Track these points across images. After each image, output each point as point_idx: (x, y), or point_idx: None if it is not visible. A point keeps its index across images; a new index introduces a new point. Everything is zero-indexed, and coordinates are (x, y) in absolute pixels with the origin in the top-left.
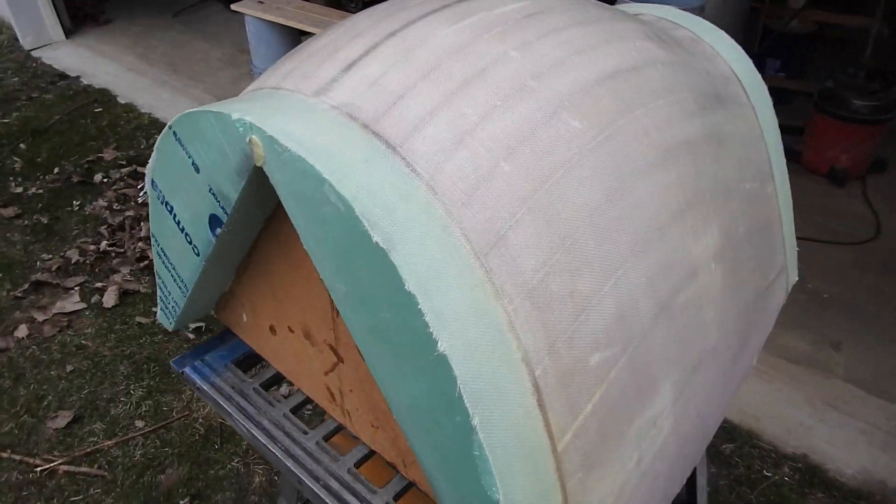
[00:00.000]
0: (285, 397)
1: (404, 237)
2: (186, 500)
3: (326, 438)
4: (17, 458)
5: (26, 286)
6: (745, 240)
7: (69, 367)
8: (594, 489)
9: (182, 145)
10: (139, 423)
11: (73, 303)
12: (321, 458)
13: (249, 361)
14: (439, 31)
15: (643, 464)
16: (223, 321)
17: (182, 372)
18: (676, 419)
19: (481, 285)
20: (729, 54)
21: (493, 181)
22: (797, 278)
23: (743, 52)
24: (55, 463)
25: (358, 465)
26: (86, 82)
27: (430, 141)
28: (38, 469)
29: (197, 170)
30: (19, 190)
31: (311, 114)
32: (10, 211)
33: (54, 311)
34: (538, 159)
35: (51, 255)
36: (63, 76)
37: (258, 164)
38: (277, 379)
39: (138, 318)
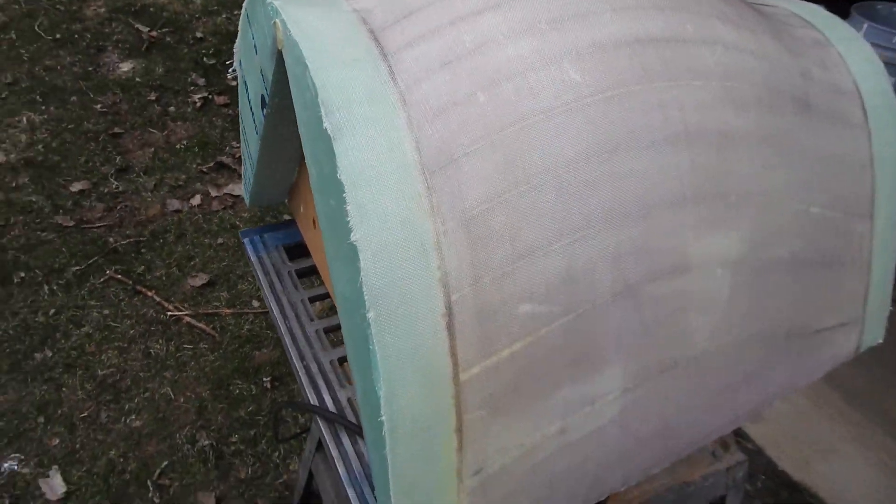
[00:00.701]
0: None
1: (353, 131)
2: (269, 379)
3: (327, 332)
4: (157, 299)
5: (212, 164)
6: (787, 266)
7: (220, 240)
8: (497, 434)
9: (249, 25)
10: (255, 303)
11: (241, 188)
12: (314, 344)
13: (298, 250)
14: None
15: (568, 436)
16: (290, 210)
17: (243, 242)
18: (625, 410)
19: (417, 197)
20: (861, 69)
21: (464, 107)
22: (880, 340)
23: (884, 72)
24: (182, 313)
25: (343, 361)
26: None
27: (419, 57)
28: (169, 314)
29: (255, 51)
30: (234, 84)
31: (331, 11)
32: (221, 99)
33: (225, 190)
34: (518, 98)
35: (238, 145)
36: None
37: (279, 48)
38: (313, 270)
39: (286, 216)
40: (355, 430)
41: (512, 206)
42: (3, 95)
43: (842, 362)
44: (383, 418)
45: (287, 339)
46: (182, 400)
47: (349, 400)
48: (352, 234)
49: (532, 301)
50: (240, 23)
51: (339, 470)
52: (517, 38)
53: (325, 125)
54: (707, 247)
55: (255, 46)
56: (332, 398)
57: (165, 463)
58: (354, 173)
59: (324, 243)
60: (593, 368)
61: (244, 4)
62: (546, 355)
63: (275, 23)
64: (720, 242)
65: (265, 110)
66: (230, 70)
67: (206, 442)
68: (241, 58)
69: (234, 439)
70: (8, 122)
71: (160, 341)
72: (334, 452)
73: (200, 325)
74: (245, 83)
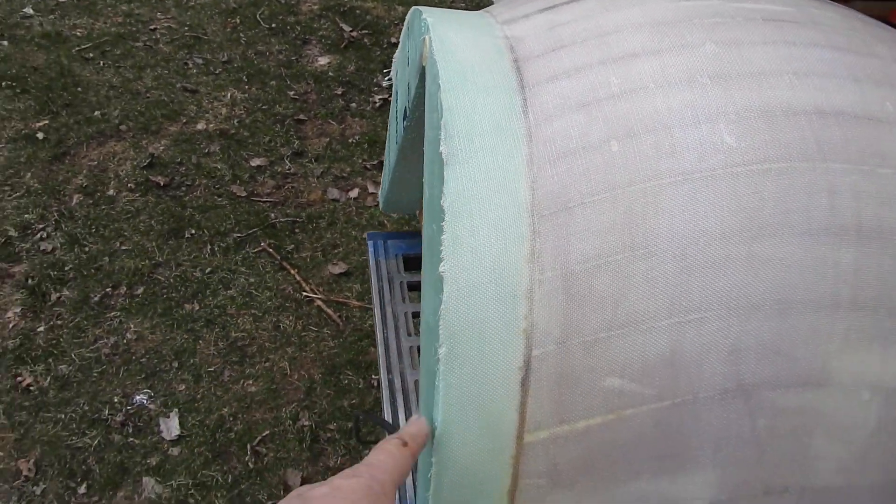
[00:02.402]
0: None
1: (469, 159)
2: (377, 378)
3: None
4: (298, 278)
5: (376, 162)
6: None
7: (365, 235)
8: (558, 503)
9: (408, 38)
10: None
11: None
12: (405, 360)
13: (415, 262)
14: (655, 1)
15: None
16: (419, 222)
17: (367, 242)
18: None
19: (519, 240)
20: None
21: (593, 154)
22: None
23: None
24: (316, 296)
25: None
26: None
27: (558, 93)
28: (304, 294)
29: (408, 62)
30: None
31: (482, 36)
32: None
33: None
34: (656, 154)
35: None
36: None
37: (423, 64)
38: None
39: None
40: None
41: (622, 270)
42: (217, 71)
43: None
44: (433, 459)
45: (381, 349)
46: (296, 377)
47: None
48: (441, 265)
49: (623, 377)
50: (401, 34)
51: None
52: (671, 88)
53: (440, 149)
54: (856, 363)
55: (408, 59)
56: (407, 416)
57: (267, 432)
58: (458, 202)
59: (422, 267)
60: (680, 468)
61: (407, 16)
62: (628, 439)
63: (424, 39)
64: (874, 361)
65: (405, 122)
66: (386, 78)
67: (307, 423)
68: (397, 67)
69: (332, 426)
70: (215, 96)
71: (291, 318)
72: None
73: (329, 310)
74: (396, 92)
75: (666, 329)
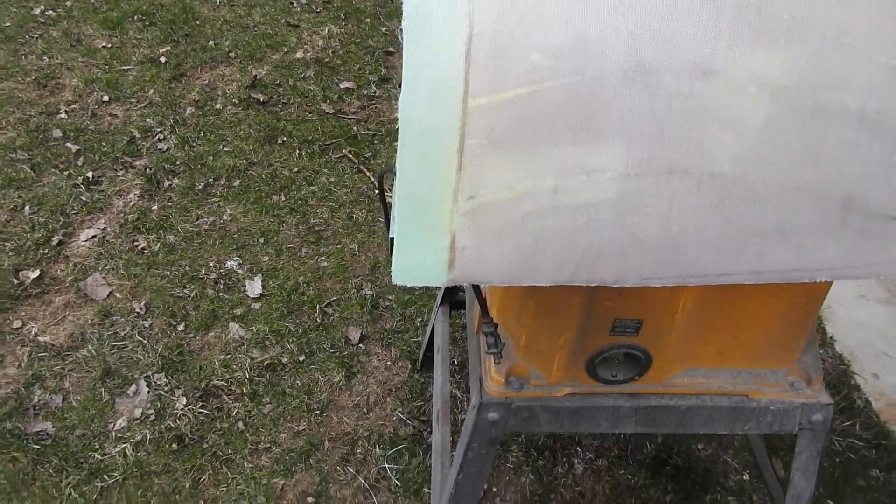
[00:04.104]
0: None
1: None
2: None
3: None
4: (372, 179)
5: None
6: (855, 122)
7: None
8: (492, 168)
9: None
10: None
11: None
12: None
13: None
14: None
15: (560, 198)
16: None
17: None
18: (622, 198)
19: None
20: None
21: None
22: None
23: None
24: (387, 193)
25: None
26: None
27: None
28: (376, 191)
29: None
30: None
31: None
32: None
33: None
34: None
35: None
36: None
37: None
38: None
39: None
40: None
41: None
42: (318, 10)
43: None
44: (399, 115)
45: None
46: (363, 257)
47: None
48: None
49: (543, 53)
50: None
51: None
52: None
53: None
54: (741, 57)
55: None
56: None
57: (334, 298)
58: None
59: None
60: (593, 138)
61: None
62: (548, 108)
63: None
64: (758, 58)
65: None
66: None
67: (370, 292)
68: None
69: (391, 297)
70: (314, 30)
71: (363, 211)
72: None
73: None
74: None
75: (577, 14)
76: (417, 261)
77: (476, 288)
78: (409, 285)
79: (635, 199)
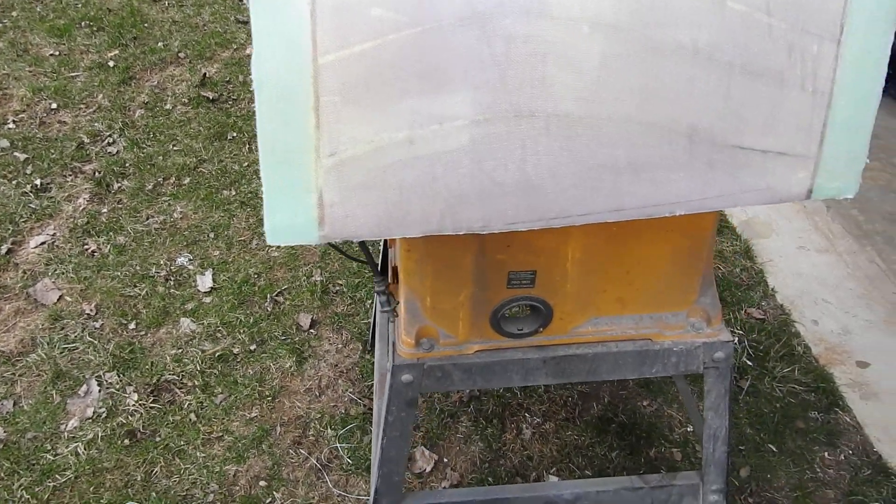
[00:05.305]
0: None
1: None
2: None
3: None
4: None
5: None
6: (690, 57)
7: None
8: (349, 123)
9: None
10: None
11: None
12: None
13: None
14: None
15: (416, 149)
16: None
17: None
18: (476, 144)
19: None
20: None
21: None
22: (850, 195)
23: None
24: None
25: None
26: None
27: None
28: None
29: None
30: None
31: None
32: None
33: None
34: None
35: None
36: None
37: None
38: None
39: None
40: None
41: None
42: None
43: (787, 201)
44: (252, 77)
45: None
46: (314, 245)
47: None
48: None
49: (382, 6)
50: None
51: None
52: None
53: None
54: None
55: None
56: None
57: (285, 286)
58: None
59: None
60: (440, 87)
61: None
62: (394, 60)
63: None
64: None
65: None
66: None
67: (320, 279)
68: None
69: (341, 282)
70: None
71: None
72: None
73: None
74: None
75: None
76: (288, 220)
77: (363, 245)
78: (282, 245)
79: (488, 145)
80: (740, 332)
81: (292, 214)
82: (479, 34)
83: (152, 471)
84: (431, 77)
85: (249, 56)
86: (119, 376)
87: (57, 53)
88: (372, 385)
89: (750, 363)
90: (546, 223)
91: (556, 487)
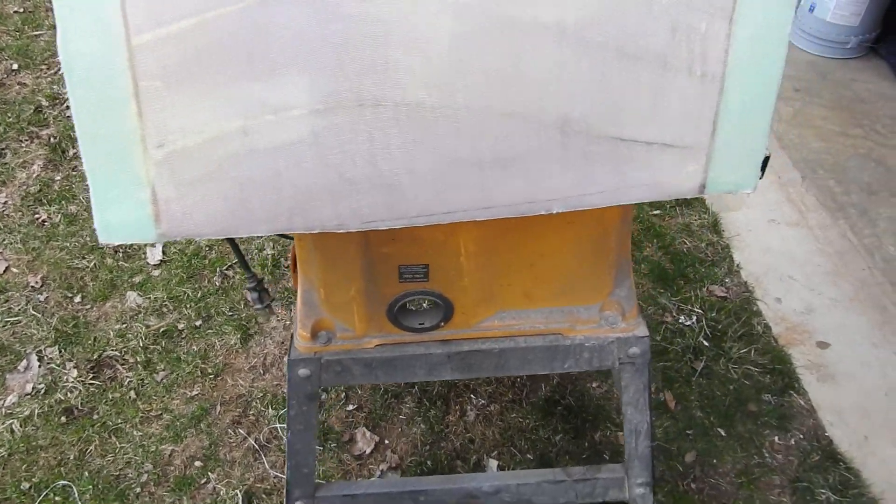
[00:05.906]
0: None
1: None
2: None
3: None
4: None
5: None
6: (552, 38)
7: None
8: (176, 111)
9: None
10: None
11: None
12: None
13: None
14: None
15: (253, 141)
16: None
17: None
18: (319, 136)
19: None
20: None
21: None
22: (749, 190)
23: None
24: None
25: None
26: None
27: None
28: None
29: None
30: None
31: None
32: None
33: None
34: None
35: None
36: None
37: None
38: None
39: None
40: None
41: None
42: None
43: (677, 196)
44: (60, 59)
45: None
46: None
47: None
48: None
49: None
50: None
51: None
52: None
53: None
54: None
55: None
56: None
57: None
58: None
59: None
60: (271, 72)
61: None
62: (217, 41)
63: None
64: None
65: None
66: None
67: (271, 252)
68: None
69: (286, 263)
70: None
71: None
72: None
73: None
74: None
75: None
76: (121, 217)
77: (231, 242)
78: (115, 244)
79: (332, 137)
80: (699, 310)
81: (125, 211)
82: (310, 12)
83: (87, 449)
84: (261, 60)
85: None
86: (60, 351)
87: (21, 10)
88: None
89: (707, 343)
90: (408, 221)
91: (476, 480)
